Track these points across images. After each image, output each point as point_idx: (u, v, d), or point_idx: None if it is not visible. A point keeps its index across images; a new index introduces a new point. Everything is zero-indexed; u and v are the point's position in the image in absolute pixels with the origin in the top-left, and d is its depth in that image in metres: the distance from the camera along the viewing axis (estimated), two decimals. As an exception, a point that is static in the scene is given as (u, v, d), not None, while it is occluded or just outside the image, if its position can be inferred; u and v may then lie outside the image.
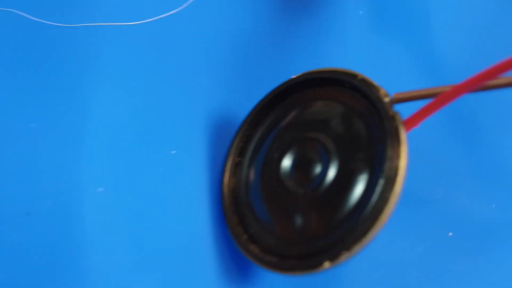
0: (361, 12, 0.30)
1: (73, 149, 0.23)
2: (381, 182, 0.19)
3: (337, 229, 0.20)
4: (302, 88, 0.24)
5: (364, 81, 0.22)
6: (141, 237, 0.23)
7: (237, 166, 0.24)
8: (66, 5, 0.26)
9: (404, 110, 0.20)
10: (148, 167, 0.24)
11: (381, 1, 0.30)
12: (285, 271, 0.21)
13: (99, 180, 0.23)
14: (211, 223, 0.24)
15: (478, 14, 0.30)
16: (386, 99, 0.21)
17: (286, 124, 0.23)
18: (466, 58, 0.28)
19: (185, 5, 0.27)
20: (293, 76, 0.24)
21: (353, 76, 0.22)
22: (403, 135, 0.20)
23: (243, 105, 0.25)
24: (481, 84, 0.18)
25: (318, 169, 0.21)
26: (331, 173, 0.21)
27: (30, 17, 0.25)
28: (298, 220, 0.21)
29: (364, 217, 0.19)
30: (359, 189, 0.20)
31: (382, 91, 0.21)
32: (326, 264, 0.19)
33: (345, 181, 0.21)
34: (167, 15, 0.27)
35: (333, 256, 0.19)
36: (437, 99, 0.19)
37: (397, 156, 0.20)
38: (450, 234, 0.25)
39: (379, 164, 0.20)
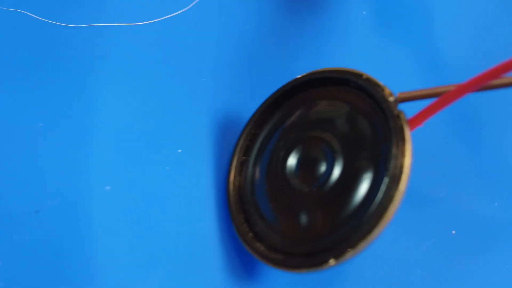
0: (364, 13, 0.30)
1: (80, 148, 0.23)
2: (386, 180, 0.19)
3: (342, 227, 0.20)
4: (307, 87, 0.24)
5: (369, 80, 0.22)
6: (147, 235, 0.23)
7: (242, 164, 0.24)
8: (73, 6, 0.26)
9: (408, 110, 0.21)
10: (154, 166, 0.24)
11: (384, 2, 0.30)
12: (291, 268, 0.21)
13: (106, 179, 0.23)
14: (216, 222, 0.24)
15: (480, 14, 0.30)
16: (391, 99, 0.21)
17: (291, 123, 0.24)
18: (469, 58, 0.29)
19: (190, 6, 0.27)
20: (298, 76, 0.24)
21: (358, 75, 0.22)
22: (408, 134, 0.20)
23: (248, 104, 0.25)
24: (484, 83, 0.18)
25: (323, 167, 0.22)
26: (336, 171, 0.21)
27: (38, 18, 0.25)
28: (303, 218, 0.22)
29: (369, 215, 0.19)
30: (364, 187, 0.20)
31: (387, 91, 0.21)
32: (331, 262, 0.20)
33: (350, 179, 0.21)
34: (173, 16, 0.27)
35: (338, 254, 0.20)
36: (441, 98, 0.19)
37: (401, 154, 0.20)
38: (453, 232, 0.25)
39: (383, 163, 0.20)
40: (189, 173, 0.24)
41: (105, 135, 0.24)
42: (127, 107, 0.25)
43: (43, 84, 0.24)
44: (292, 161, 0.23)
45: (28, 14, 0.25)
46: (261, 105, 0.25)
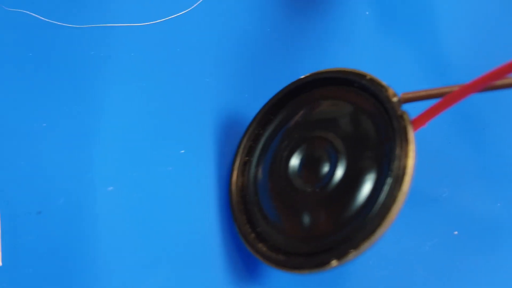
0: (367, 13, 0.30)
1: (83, 148, 0.23)
2: (389, 181, 0.19)
3: (345, 227, 0.20)
4: (311, 87, 0.24)
5: (372, 81, 0.22)
6: (150, 235, 0.23)
7: (245, 165, 0.24)
8: (78, 6, 0.26)
9: (412, 110, 0.21)
10: (157, 166, 0.24)
11: (387, 2, 0.30)
12: (293, 269, 0.21)
13: (109, 179, 0.23)
14: (219, 222, 0.24)
15: (484, 15, 0.30)
16: (395, 99, 0.21)
17: (295, 123, 0.24)
18: (472, 58, 0.29)
19: (194, 6, 0.27)
20: (302, 76, 0.24)
21: (362, 76, 0.22)
22: (411, 134, 0.20)
23: (251, 105, 0.25)
24: (488, 84, 0.18)
25: (326, 168, 0.22)
26: (340, 172, 0.21)
27: (42, 18, 0.25)
28: (306, 219, 0.22)
29: (372, 216, 0.19)
30: (367, 187, 0.20)
31: (391, 91, 0.21)
32: (334, 263, 0.20)
33: (353, 179, 0.21)
34: (176, 16, 0.27)
35: (341, 254, 0.20)
36: (444, 98, 0.19)
37: (405, 155, 0.20)
38: (456, 233, 0.25)
39: (387, 163, 0.20)
40: (192, 173, 0.24)
41: (109, 136, 0.24)
42: (130, 108, 0.25)
43: (47, 84, 0.24)
44: (295, 161, 0.23)
45: (32, 15, 0.25)
46: (265, 105, 0.25)
